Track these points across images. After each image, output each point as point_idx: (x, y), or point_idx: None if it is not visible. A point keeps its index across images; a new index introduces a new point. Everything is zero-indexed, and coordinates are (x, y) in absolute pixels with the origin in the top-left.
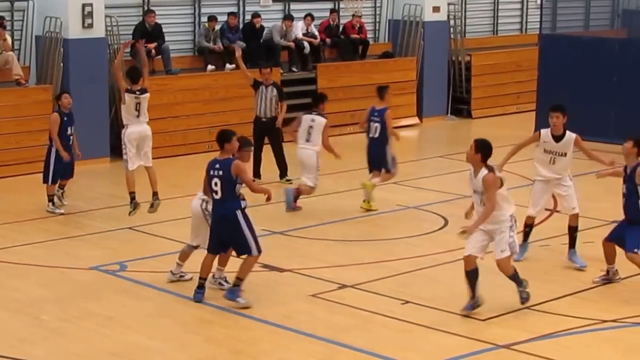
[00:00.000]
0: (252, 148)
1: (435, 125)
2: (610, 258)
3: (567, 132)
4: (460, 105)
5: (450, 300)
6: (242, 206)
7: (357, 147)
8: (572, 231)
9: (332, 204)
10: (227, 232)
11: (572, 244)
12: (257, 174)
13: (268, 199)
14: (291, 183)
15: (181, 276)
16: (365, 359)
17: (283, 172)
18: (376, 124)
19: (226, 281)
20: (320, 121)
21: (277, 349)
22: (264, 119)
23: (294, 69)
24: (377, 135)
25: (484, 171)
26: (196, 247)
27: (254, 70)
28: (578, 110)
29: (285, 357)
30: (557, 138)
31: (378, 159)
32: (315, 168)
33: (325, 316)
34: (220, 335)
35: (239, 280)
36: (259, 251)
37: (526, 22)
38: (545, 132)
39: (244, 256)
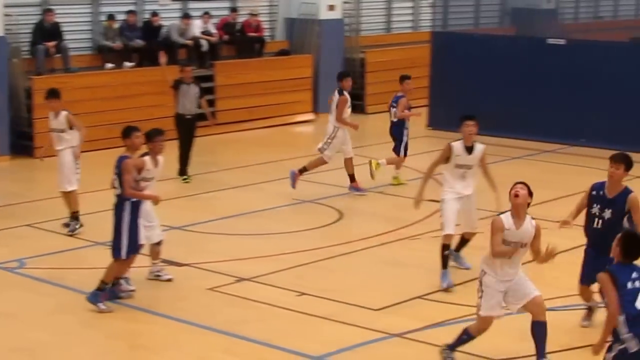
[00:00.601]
0: (163, 137)
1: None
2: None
3: (476, 143)
4: (355, 101)
5: (345, 291)
6: (134, 200)
7: (256, 143)
8: (465, 242)
9: (229, 199)
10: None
11: (459, 248)
12: (184, 171)
13: (155, 203)
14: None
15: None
16: (262, 350)
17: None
18: (394, 109)
19: (158, 274)
20: (336, 97)
21: (176, 342)
22: (188, 116)
23: (192, 67)
24: (394, 119)
25: (529, 219)
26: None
27: (171, 68)
28: (468, 106)
29: (184, 349)
30: (469, 149)
31: (395, 140)
32: (328, 136)
33: (223, 309)
34: (119, 330)
35: (103, 283)
36: (127, 256)
37: (418, 19)
38: (457, 145)
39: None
